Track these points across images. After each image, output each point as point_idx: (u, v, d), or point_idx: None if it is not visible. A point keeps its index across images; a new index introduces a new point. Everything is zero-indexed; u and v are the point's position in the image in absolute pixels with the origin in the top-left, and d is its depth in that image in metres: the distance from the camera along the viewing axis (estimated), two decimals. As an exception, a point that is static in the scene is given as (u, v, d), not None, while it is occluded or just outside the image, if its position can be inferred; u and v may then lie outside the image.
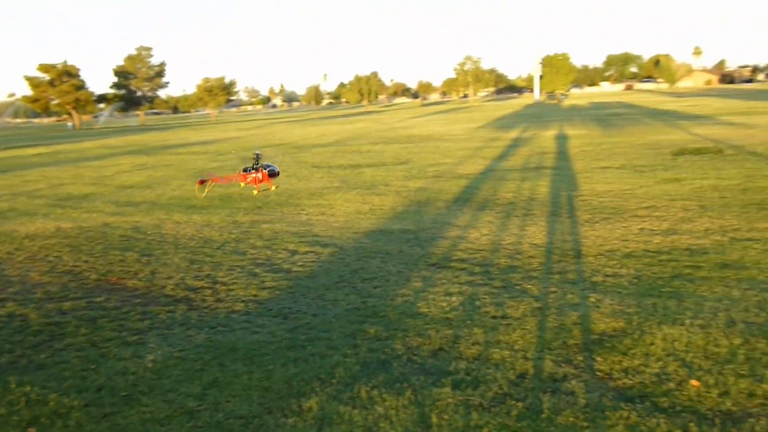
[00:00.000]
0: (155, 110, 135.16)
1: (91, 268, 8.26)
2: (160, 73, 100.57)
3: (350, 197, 13.02)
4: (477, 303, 6.20)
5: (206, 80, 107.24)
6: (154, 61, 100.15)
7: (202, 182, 7.70)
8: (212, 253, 8.76)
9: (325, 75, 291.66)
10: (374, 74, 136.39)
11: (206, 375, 4.89)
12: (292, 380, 4.71)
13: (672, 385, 4.36)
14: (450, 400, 4.31)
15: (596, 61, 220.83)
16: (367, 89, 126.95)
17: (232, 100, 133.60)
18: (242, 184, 7.89)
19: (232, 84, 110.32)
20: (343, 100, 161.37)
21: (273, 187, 7.60)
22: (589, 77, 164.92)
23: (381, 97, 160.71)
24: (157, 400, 4.51)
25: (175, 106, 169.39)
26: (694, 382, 4.34)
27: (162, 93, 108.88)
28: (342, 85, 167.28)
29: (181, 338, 5.69)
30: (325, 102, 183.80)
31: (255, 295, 6.79)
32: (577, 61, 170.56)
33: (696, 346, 4.93)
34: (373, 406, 4.28)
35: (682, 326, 5.33)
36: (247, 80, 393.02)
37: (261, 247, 8.93)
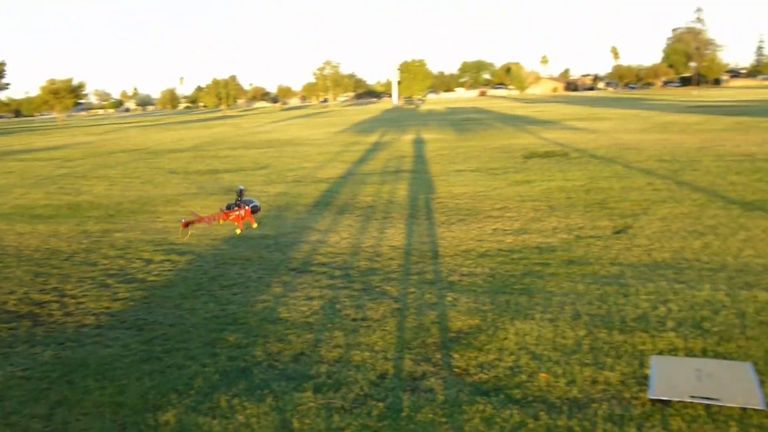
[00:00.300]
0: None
1: None
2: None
3: (208, 203, 12.71)
4: (338, 306, 6.23)
5: (52, 82, 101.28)
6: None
7: (187, 224, 7.10)
8: (60, 264, 8.29)
9: (182, 78, 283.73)
10: (233, 78, 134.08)
11: (53, 394, 4.62)
12: (148, 394, 4.54)
13: (524, 377, 4.55)
14: (311, 404, 4.30)
15: (451, 67, 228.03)
16: (225, 93, 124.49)
17: (81, 104, 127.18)
18: (221, 221, 7.43)
19: (80, 86, 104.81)
20: (201, 104, 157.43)
21: (255, 225, 7.26)
22: (445, 83, 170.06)
23: (240, 101, 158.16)
24: (-2, 424, 4.22)
25: (17, 110, 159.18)
26: (543, 375, 4.55)
27: (2, 95, 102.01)
28: (199, 89, 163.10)
29: (25, 356, 5.34)
30: (182, 106, 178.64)
31: (107, 308, 6.48)
32: (434, 67, 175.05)
33: (545, 339, 5.18)
34: (234, 415, 4.20)
35: (533, 321, 5.59)
36: (98, 83, 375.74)
37: (113, 257, 8.54)
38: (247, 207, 8.18)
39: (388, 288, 6.74)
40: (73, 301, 6.75)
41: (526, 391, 4.35)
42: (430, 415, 4.10)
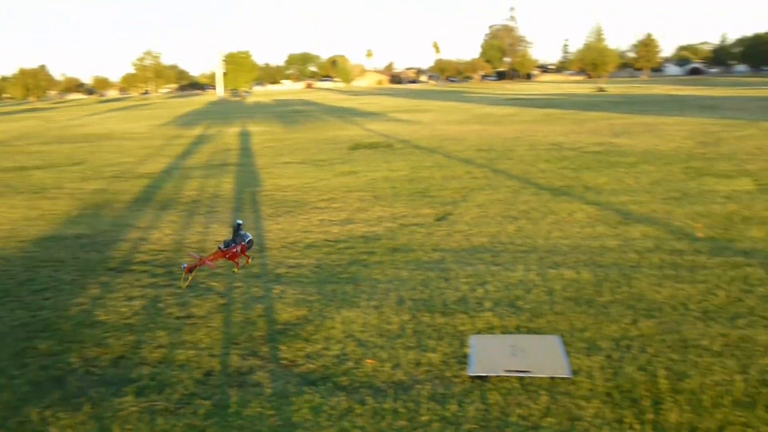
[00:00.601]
0: None
1: None
2: None
3: (16, 203, 11.83)
4: (160, 305, 6.02)
5: None
6: None
7: (190, 270, 6.06)
8: None
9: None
10: (42, 68, 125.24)
11: None
12: (-54, 412, 4.16)
13: (351, 364, 4.63)
14: (133, 408, 4.13)
15: (278, 59, 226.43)
16: (34, 84, 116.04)
17: None
18: (216, 261, 6.57)
19: None
20: (6, 95, 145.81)
21: (249, 261, 6.51)
22: (271, 75, 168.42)
23: (51, 92, 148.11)
24: None
25: None
26: (369, 361, 4.65)
27: None
28: (4, 79, 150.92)
29: None
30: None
31: None
32: (259, 59, 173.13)
33: (371, 326, 5.29)
34: (46, 428, 3.95)
35: (359, 308, 5.69)
36: None
37: None
38: (243, 242, 7.47)
39: (214, 284, 6.61)
40: None
41: (353, 378, 4.42)
42: (258, 409, 4.07)
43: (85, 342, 5.22)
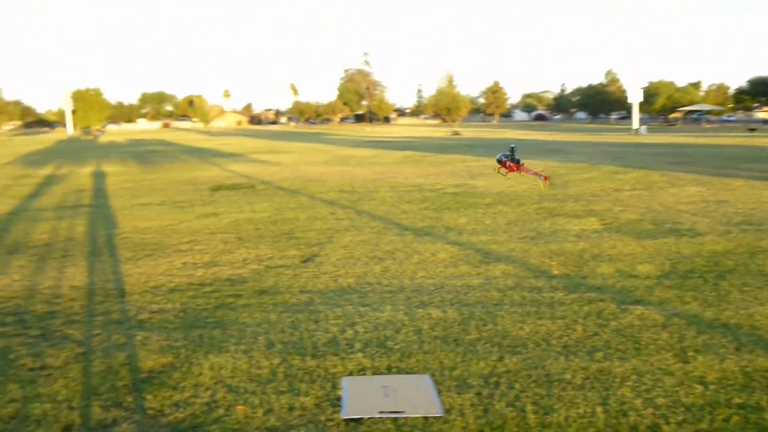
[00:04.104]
0: None
1: None
2: None
3: None
4: (11, 356, 5.63)
5: None
6: None
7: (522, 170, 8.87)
8: None
9: None
10: None
11: None
12: None
13: (222, 411, 4.52)
14: (-17, 469, 3.84)
15: (131, 98, 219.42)
16: None
17: None
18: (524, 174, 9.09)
19: None
20: None
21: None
22: (125, 114, 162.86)
23: None
24: None
25: None
26: (240, 407, 4.56)
27: None
28: None
29: None
30: None
31: None
32: (111, 97, 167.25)
33: (241, 371, 5.20)
34: None
35: (228, 353, 5.58)
36: None
37: None
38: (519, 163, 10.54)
39: (71, 331, 6.27)
40: None
41: (225, 426, 4.32)
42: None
43: (-75, 399, 4.80)
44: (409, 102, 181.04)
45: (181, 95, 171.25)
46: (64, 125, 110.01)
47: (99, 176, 24.18)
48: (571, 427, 4.18)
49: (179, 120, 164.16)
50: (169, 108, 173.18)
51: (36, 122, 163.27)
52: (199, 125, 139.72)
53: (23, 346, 5.89)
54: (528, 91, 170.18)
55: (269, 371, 5.19)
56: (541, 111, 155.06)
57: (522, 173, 11.50)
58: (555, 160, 25.72)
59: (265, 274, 8.30)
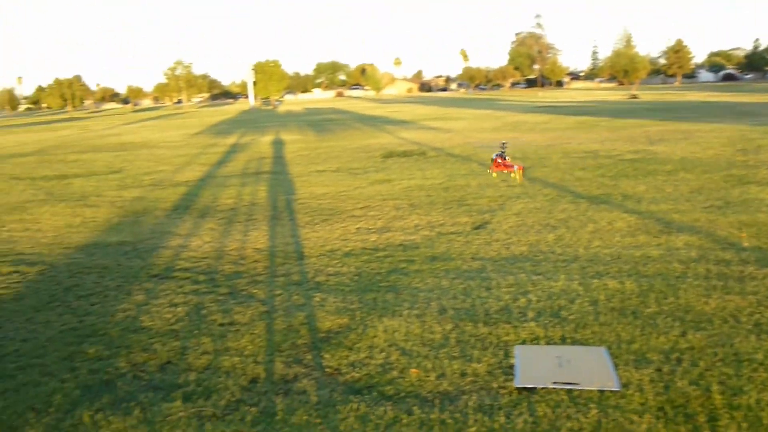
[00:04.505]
0: None
1: None
2: None
3: (58, 210, 12.05)
4: (203, 312, 6.08)
5: None
6: None
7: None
8: None
9: (20, 78, 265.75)
10: (77, 78, 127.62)
11: None
12: (2, 415, 4.24)
13: (395, 373, 4.63)
14: (181, 413, 4.18)
15: (307, 68, 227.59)
16: (70, 94, 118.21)
17: None
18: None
19: None
20: (44, 105, 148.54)
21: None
22: (301, 84, 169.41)
23: (87, 102, 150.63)
24: None
25: None
26: (414, 370, 4.65)
27: None
28: (41, 89, 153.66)
29: None
30: (23, 107, 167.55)
31: (-51, 325, 6.00)
32: (289, 68, 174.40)
33: (414, 335, 5.29)
34: (98, 431, 4.01)
35: (401, 317, 5.69)
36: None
37: (-47, 271, 7.91)
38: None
39: (255, 291, 6.66)
40: None
41: (398, 387, 4.43)
42: (305, 417, 4.08)
43: (132, 347, 5.30)
44: (583, 65, 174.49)
45: (353, 64, 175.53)
46: (246, 96, 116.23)
47: (278, 144, 25.37)
48: (763, 411, 3.89)
49: (352, 89, 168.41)
50: (342, 77, 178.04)
51: (221, 94, 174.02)
52: (371, 93, 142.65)
53: (214, 303, 6.33)
54: (715, 49, 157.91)
55: (441, 336, 5.24)
56: (730, 70, 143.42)
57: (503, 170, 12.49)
58: (745, 123, 23.82)
59: (437, 240, 8.36)
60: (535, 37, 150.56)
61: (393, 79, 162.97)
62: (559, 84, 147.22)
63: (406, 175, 14.29)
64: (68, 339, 5.55)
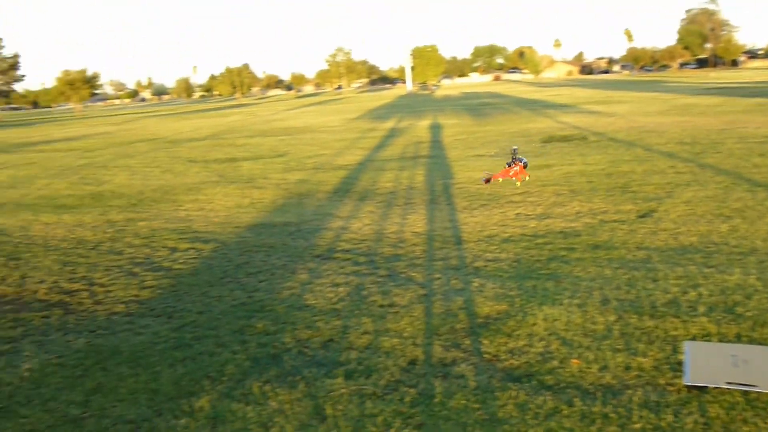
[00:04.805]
0: (12, 105, 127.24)
1: (-50, 275, 7.70)
2: (13, 66, 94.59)
3: (229, 191, 12.78)
4: (364, 293, 6.24)
5: (66, 73, 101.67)
6: (6, 52, 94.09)
7: (488, 180, 9.54)
8: (87, 253, 8.36)
9: (195, 67, 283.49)
10: (245, 66, 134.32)
11: (89, 380, 4.67)
12: (181, 380, 4.58)
13: (555, 363, 4.54)
14: (343, 390, 4.32)
15: (464, 52, 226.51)
16: (239, 81, 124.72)
17: (97, 94, 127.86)
18: (500, 180, 10.06)
19: (95, 77, 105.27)
20: (216, 92, 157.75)
21: (527, 176, 9.42)
22: (458, 68, 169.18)
23: (254, 89, 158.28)
24: (37, 411, 4.27)
25: (35, 101, 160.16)
26: (575, 361, 4.54)
27: (18, 87, 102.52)
28: (213, 78, 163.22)
29: (59, 344, 5.40)
30: (197, 95, 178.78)
31: (136, 296, 6.54)
32: (446, 52, 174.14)
33: (575, 325, 5.16)
34: (267, 401, 4.22)
35: (561, 306, 5.56)
36: (113, 73, 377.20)
37: (139, 246, 8.61)
38: (520, 163, 10.25)
39: (414, 274, 6.74)
40: (102, 289, 6.81)
41: (559, 377, 4.34)
42: (463, 401, 4.09)
43: (297, 324, 5.53)
44: (762, 42, 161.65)
45: (512, 47, 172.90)
46: (404, 81, 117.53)
47: (435, 128, 25.49)
48: None
49: (509, 72, 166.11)
50: (500, 60, 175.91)
51: (379, 79, 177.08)
52: (529, 77, 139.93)
53: (374, 284, 6.48)
54: None
55: (604, 328, 5.07)
56: None
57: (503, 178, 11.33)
58: None
59: (600, 228, 8.09)
60: (708, 14, 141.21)
61: (552, 62, 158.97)
62: (734, 63, 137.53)
63: (566, 161, 13.91)
64: (239, 313, 5.89)
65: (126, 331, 5.61)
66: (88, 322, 5.89)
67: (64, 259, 8.16)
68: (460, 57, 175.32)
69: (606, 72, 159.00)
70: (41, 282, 7.21)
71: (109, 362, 4.96)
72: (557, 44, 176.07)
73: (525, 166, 10.50)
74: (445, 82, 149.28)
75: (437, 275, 6.65)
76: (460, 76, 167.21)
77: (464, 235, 8.22)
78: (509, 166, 10.39)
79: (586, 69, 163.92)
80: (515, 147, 10.98)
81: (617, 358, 4.52)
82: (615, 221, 8.37)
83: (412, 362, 4.70)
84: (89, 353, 5.16)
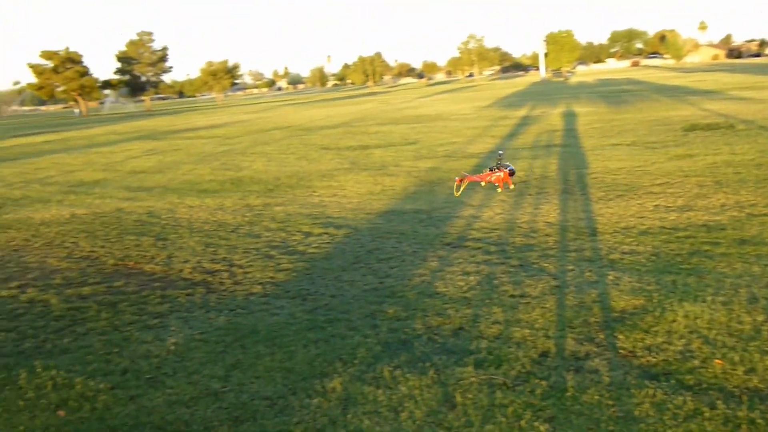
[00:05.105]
0: (160, 95, 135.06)
1: (108, 253, 8.29)
2: (163, 58, 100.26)
3: (361, 178, 13.00)
4: (495, 282, 6.19)
5: (210, 64, 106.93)
6: (156, 45, 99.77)
7: (461, 181, 9.65)
8: (227, 236, 8.77)
9: (329, 56, 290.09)
10: (378, 55, 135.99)
11: (229, 357, 4.91)
12: (314, 361, 4.72)
13: (696, 362, 4.33)
14: (473, 379, 4.31)
15: (600, 37, 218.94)
16: (371, 70, 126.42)
17: (237, 84, 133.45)
18: (483, 183, 9.88)
19: (235, 67, 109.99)
20: (348, 81, 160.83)
21: (512, 185, 9.19)
22: (594, 54, 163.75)
23: (386, 77, 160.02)
24: (182, 382, 4.53)
25: (181, 91, 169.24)
26: (718, 361, 4.31)
27: (166, 78, 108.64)
28: (346, 67, 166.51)
29: (202, 321, 5.71)
30: (330, 84, 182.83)
31: (272, 277, 6.80)
32: (582, 38, 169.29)
33: (719, 323, 4.90)
34: (397, 386, 4.28)
35: (704, 303, 5.30)
36: (251, 63, 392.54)
37: (275, 230, 8.93)
38: (505, 170, 9.99)
39: (546, 265, 6.62)
40: (240, 270, 7.12)
41: (700, 378, 4.14)
42: (596, 397, 3.99)
43: (427, 311, 5.57)
44: None
45: (652, 31, 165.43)
46: (537, 68, 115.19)
47: (569, 116, 24.83)
48: None
49: (649, 57, 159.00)
50: (639, 45, 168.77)
51: (511, 66, 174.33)
52: (670, 62, 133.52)
53: (505, 274, 6.41)
54: None
55: (752, 327, 4.78)
56: None
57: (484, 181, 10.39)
58: None
59: (747, 222, 7.62)
60: None
61: (696, 46, 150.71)
62: None
63: (711, 150, 13.17)
64: (370, 298, 5.99)
65: (263, 311, 5.85)
66: (228, 301, 6.18)
67: (207, 240, 8.60)
68: (596, 42, 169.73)
69: (757, 55, 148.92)
70: (186, 262, 7.64)
71: (248, 340, 5.19)
72: (702, 27, 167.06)
73: (511, 174, 9.71)
74: (580, 68, 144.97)
75: (570, 267, 6.50)
76: (595, 62, 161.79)
77: (599, 226, 7.98)
78: (491, 170, 9.82)
79: (734, 52, 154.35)
80: (501, 152, 10.42)
81: (766, 361, 4.25)
82: (766, 215, 7.86)
83: (544, 354, 4.63)
84: (229, 331, 5.43)
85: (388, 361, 4.65)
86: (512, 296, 5.79)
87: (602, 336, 4.86)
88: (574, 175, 11.77)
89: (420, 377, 4.38)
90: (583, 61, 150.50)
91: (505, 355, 4.64)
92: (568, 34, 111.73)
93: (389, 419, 3.92)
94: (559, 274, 6.31)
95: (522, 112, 29.17)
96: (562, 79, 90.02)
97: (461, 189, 9.27)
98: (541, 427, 3.71)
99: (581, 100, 35.09)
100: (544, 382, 4.21)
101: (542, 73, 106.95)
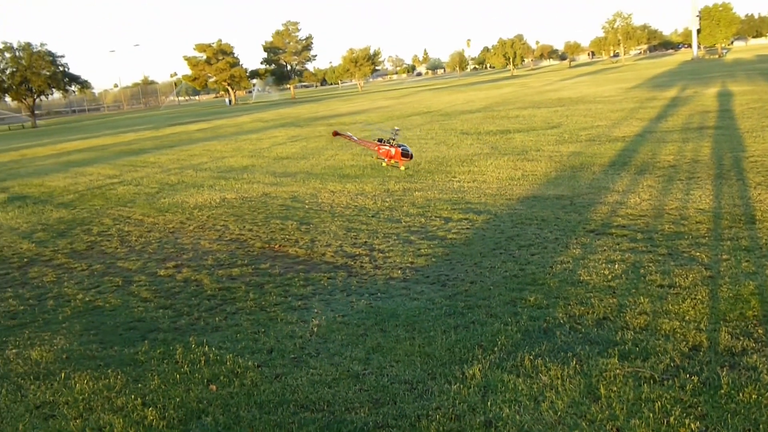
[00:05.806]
0: (304, 83, 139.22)
1: (255, 237, 8.67)
2: (307, 47, 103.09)
3: (501, 163, 12.84)
4: (641, 271, 5.94)
5: (351, 51, 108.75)
6: (301, 35, 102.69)
7: (336, 134, 10.19)
8: (367, 221, 8.93)
9: (469, 40, 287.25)
10: (519, 37, 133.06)
11: (369, 340, 5.00)
12: (454, 347, 4.72)
13: None
14: (618, 371, 4.16)
15: (762, 9, 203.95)
16: (511, 53, 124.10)
17: (378, 70, 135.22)
18: (375, 157, 10.02)
19: (376, 54, 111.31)
20: (488, 65, 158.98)
21: (403, 168, 9.10)
22: (754, 28, 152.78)
23: (527, 60, 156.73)
24: (324, 363, 4.67)
25: (323, 78, 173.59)
26: None
27: (310, 66, 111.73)
28: (486, 50, 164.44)
29: (343, 304, 5.86)
30: (470, 68, 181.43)
31: (412, 263, 6.86)
32: (740, 10, 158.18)
33: None
34: (538, 375, 4.21)
35: None
36: (391, 49, 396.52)
37: (415, 215, 9.00)
38: (398, 148, 10.18)
39: (698, 254, 6.28)
40: (381, 255, 7.24)
41: None
42: (754, 395, 3.75)
43: (569, 299, 5.43)
44: None
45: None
46: (688, 46, 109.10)
47: (724, 97, 23.36)
48: None
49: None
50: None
51: (660, 45, 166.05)
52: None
53: (652, 263, 6.14)
54: None
55: None
56: None
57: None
58: None
59: None
60: None
61: None
62: None
63: None
64: (510, 285, 5.92)
65: (402, 296, 5.92)
66: (369, 285, 6.30)
67: (348, 225, 8.80)
68: (756, 15, 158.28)
69: None
70: (328, 245, 7.85)
71: (387, 324, 5.27)
72: None
73: (404, 155, 9.33)
74: (738, 44, 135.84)
75: (725, 256, 6.13)
76: (755, 36, 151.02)
77: (758, 213, 7.47)
78: (381, 142, 9.49)
79: None
80: (397, 128, 10.16)
81: None
82: None
83: (695, 348, 4.40)
84: (369, 314, 5.53)
85: (529, 350, 4.57)
86: (660, 286, 5.54)
87: (761, 331, 4.55)
88: (730, 158, 11.07)
89: (562, 367, 4.28)
90: (741, 36, 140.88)
91: (652, 347, 4.45)
92: (726, 7, 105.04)
93: (529, 408, 3.86)
94: (713, 264, 5.97)
95: (671, 93, 27.75)
96: (716, 56, 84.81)
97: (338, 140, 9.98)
98: (692, 425, 3.53)
99: (738, 79, 32.92)
100: (695, 378, 4.00)
101: (694, 51, 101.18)
